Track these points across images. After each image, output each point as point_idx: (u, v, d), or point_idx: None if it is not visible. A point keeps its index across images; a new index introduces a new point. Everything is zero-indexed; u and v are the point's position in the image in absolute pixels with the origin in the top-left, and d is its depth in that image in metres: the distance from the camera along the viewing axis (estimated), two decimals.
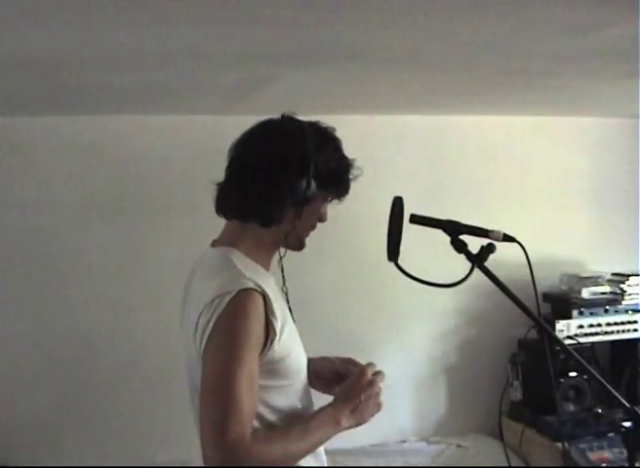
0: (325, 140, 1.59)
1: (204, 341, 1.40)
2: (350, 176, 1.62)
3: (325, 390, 1.70)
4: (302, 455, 1.47)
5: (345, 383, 1.57)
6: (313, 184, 1.52)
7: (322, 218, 1.62)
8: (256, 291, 1.43)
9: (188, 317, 1.54)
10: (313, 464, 1.57)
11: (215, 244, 1.68)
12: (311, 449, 1.49)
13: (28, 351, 2.80)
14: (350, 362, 1.70)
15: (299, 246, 1.65)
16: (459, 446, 3.01)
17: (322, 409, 1.51)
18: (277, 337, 1.45)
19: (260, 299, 1.43)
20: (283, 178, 1.50)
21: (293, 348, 1.53)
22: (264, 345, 1.43)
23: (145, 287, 2.90)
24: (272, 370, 1.47)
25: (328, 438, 1.49)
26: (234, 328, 1.39)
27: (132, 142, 2.90)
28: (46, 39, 1.69)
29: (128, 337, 2.88)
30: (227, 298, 1.40)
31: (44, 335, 2.81)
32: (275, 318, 1.45)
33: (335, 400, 1.54)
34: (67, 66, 2.01)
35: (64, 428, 2.83)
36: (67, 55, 1.87)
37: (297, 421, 1.48)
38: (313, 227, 1.63)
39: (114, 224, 2.88)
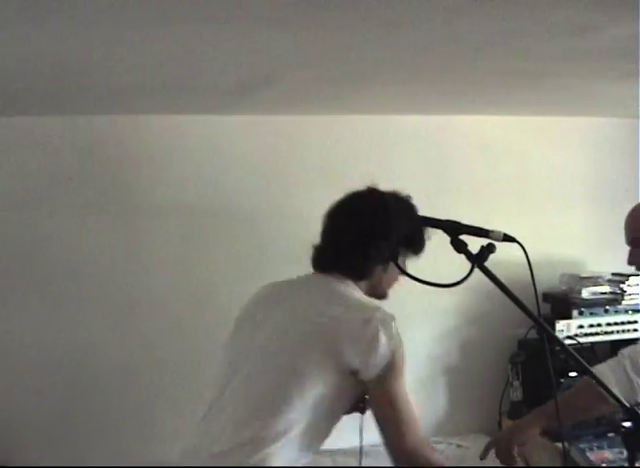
0: (404, 207, 1.82)
1: (380, 364, 1.67)
2: (425, 236, 1.84)
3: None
4: None
5: None
6: (395, 245, 1.76)
7: (404, 272, 1.87)
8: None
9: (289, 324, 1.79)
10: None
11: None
12: None
13: (27, 351, 2.80)
14: None
15: (383, 296, 1.89)
16: (459, 446, 3.01)
17: None
18: None
19: None
20: (371, 242, 1.76)
21: None
22: None
23: (145, 287, 2.90)
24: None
25: None
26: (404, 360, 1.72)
27: (131, 142, 2.89)
28: (46, 39, 1.69)
29: (127, 337, 2.88)
30: (388, 319, 1.69)
31: (43, 335, 2.81)
32: None
33: None
34: (67, 67, 2.01)
35: (65, 428, 2.82)
36: (67, 55, 1.87)
37: None
38: (396, 280, 1.88)
39: (113, 224, 2.88)
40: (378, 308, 1.73)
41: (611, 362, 2.11)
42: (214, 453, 1.67)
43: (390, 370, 1.68)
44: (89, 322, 2.85)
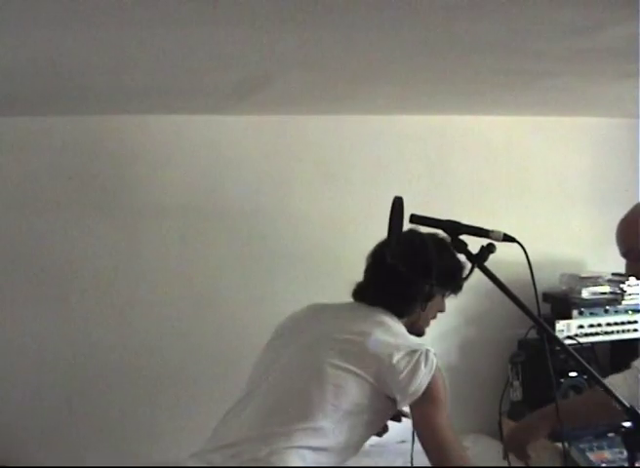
0: (442, 249, 1.85)
1: (417, 393, 1.77)
2: (463, 276, 1.88)
3: None
4: None
5: None
6: (435, 285, 1.85)
7: (442, 310, 2.00)
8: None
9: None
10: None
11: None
12: None
13: (27, 351, 2.80)
14: None
15: (420, 333, 1.99)
16: None
17: None
18: None
19: None
20: (412, 282, 1.85)
21: None
22: None
23: (145, 287, 2.90)
24: None
25: None
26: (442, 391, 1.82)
27: (131, 142, 2.89)
28: (46, 39, 1.69)
29: (127, 337, 2.88)
30: (431, 354, 1.79)
31: (43, 335, 2.81)
32: None
33: None
34: (67, 67, 2.01)
35: (65, 428, 2.82)
36: (67, 55, 1.87)
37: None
38: (434, 317, 2.00)
39: (113, 224, 2.88)
40: (422, 344, 1.83)
41: (626, 373, 2.12)
42: (229, 444, 1.74)
43: (430, 399, 1.77)
44: (89, 322, 2.85)
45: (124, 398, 2.87)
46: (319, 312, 2.00)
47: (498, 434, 2.65)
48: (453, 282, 1.92)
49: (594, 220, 3.33)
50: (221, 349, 2.89)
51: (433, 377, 1.77)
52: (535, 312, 1.61)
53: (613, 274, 3.17)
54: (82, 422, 2.84)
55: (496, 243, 1.61)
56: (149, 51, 1.86)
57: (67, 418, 2.83)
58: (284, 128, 3.00)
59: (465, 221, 1.67)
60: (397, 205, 1.67)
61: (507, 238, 1.61)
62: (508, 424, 2.95)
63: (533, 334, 2.86)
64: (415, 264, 1.83)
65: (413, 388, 1.75)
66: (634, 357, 3.03)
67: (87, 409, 2.85)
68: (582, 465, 2.64)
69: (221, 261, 2.96)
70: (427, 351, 1.79)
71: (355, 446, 1.85)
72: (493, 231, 1.62)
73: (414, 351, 1.77)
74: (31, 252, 2.81)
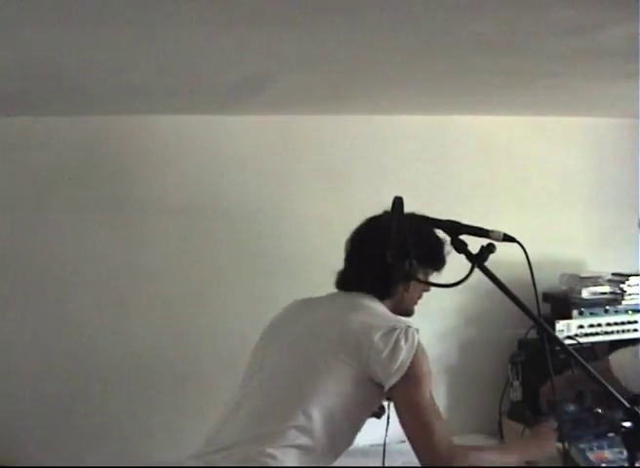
0: (419, 227, 1.83)
1: (400, 373, 1.73)
2: (445, 253, 1.90)
3: None
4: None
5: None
6: (415, 264, 1.78)
7: (427, 289, 1.97)
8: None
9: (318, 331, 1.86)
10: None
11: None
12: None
13: (27, 351, 2.80)
14: None
15: (408, 313, 1.96)
16: None
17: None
18: None
19: None
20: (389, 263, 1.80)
21: None
22: None
23: (145, 287, 2.90)
24: None
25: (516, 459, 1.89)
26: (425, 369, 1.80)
27: (131, 142, 2.89)
28: (46, 39, 1.69)
29: (128, 337, 2.87)
30: (411, 331, 1.75)
31: (43, 335, 2.81)
32: None
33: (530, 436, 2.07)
34: (67, 67, 2.01)
35: (64, 428, 2.82)
36: (68, 55, 1.87)
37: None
38: (420, 297, 1.98)
39: (113, 224, 2.88)
40: (402, 320, 1.80)
41: (633, 348, 2.14)
42: (224, 447, 1.72)
43: (411, 377, 1.73)
44: (89, 321, 2.85)
45: (124, 398, 2.87)
46: (300, 308, 2.00)
47: (498, 434, 2.65)
48: (432, 259, 1.91)
49: (594, 220, 3.34)
50: (222, 349, 2.89)
51: (415, 355, 1.74)
52: (535, 312, 1.62)
53: (613, 274, 3.17)
54: (82, 422, 2.84)
55: (496, 243, 1.61)
56: (150, 51, 1.86)
57: (67, 418, 2.83)
58: (284, 128, 3.00)
59: (465, 221, 1.67)
60: (397, 205, 1.67)
61: (507, 238, 1.61)
62: (508, 424, 2.95)
63: (533, 334, 2.88)
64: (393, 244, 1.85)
65: (395, 366, 1.72)
66: None
67: (87, 409, 2.85)
68: (582, 465, 2.64)
69: (222, 261, 2.96)
70: (407, 328, 1.76)
71: (349, 436, 1.82)
72: (493, 231, 1.62)
73: (393, 329, 1.75)
74: (32, 251, 2.80)
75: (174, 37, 1.72)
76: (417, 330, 1.78)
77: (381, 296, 1.90)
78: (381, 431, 2.12)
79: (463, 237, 1.64)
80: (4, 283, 2.79)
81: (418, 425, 1.74)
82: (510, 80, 2.40)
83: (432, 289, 1.72)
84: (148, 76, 2.18)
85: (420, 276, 1.91)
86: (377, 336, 1.73)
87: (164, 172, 2.91)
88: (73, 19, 1.53)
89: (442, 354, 3.20)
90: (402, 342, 1.73)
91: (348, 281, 1.96)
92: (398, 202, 1.67)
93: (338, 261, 3.05)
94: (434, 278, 1.98)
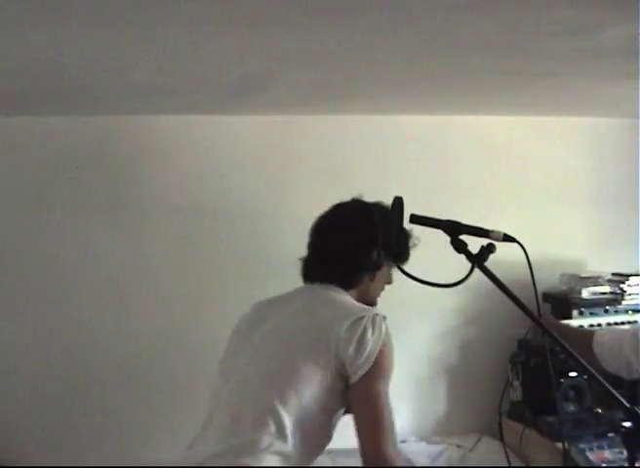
0: (387, 217, 1.78)
1: (367, 364, 1.69)
2: (410, 245, 1.92)
3: None
4: None
5: None
6: (382, 254, 1.81)
7: (389, 281, 1.96)
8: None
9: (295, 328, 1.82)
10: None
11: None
12: None
13: (27, 351, 2.80)
14: None
15: (372, 303, 1.93)
16: (459, 446, 3.00)
17: None
18: None
19: None
20: (357, 252, 1.84)
21: None
22: None
23: (145, 286, 2.90)
24: None
25: None
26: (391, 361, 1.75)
27: (132, 142, 2.90)
28: (46, 39, 1.69)
29: (128, 337, 2.88)
30: (378, 319, 1.72)
31: (43, 335, 2.81)
32: None
33: None
34: (68, 67, 2.01)
35: (64, 428, 2.82)
36: (68, 55, 1.87)
37: None
38: (383, 289, 1.96)
39: (113, 224, 2.88)
40: (368, 309, 1.77)
41: (618, 331, 2.14)
42: (208, 456, 1.67)
43: (376, 367, 1.69)
44: (89, 321, 2.85)
45: (124, 398, 2.87)
46: (264, 310, 1.95)
47: (498, 434, 2.65)
48: (398, 250, 1.86)
49: (594, 220, 3.33)
50: (222, 349, 2.89)
51: (383, 344, 1.71)
52: (535, 312, 1.61)
53: (613, 274, 3.17)
54: (82, 422, 2.84)
55: (496, 243, 1.61)
56: (150, 51, 1.86)
57: (67, 418, 2.83)
58: (285, 128, 3.00)
59: (465, 221, 1.67)
60: (397, 205, 1.67)
61: (507, 238, 1.61)
62: (508, 424, 2.96)
63: (533, 334, 2.88)
64: (359, 233, 1.84)
65: (362, 360, 1.68)
66: None
67: (87, 409, 2.85)
68: (582, 465, 2.64)
69: (223, 261, 2.96)
70: (375, 316, 1.73)
71: (325, 431, 1.78)
72: (493, 231, 1.62)
73: (360, 318, 1.71)
74: (32, 251, 2.81)
75: (174, 37, 1.72)
76: (384, 317, 1.75)
77: (347, 286, 1.86)
78: None
79: (463, 237, 1.64)
80: (4, 283, 2.79)
81: (372, 419, 1.69)
82: (510, 80, 2.40)
83: (432, 289, 1.71)
84: (148, 76, 2.18)
85: (386, 268, 1.90)
86: (343, 328, 1.70)
87: (164, 172, 2.92)
88: (73, 19, 1.53)
89: (442, 354, 3.20)
90: (369, 333, 1.69)
91: (315, 271, 1.91)
92: (398, 202, 1.67)
93: None
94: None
